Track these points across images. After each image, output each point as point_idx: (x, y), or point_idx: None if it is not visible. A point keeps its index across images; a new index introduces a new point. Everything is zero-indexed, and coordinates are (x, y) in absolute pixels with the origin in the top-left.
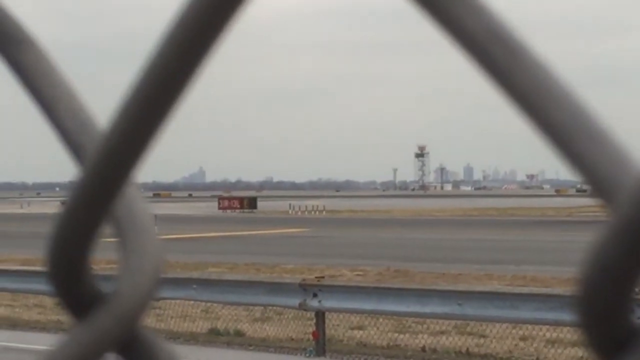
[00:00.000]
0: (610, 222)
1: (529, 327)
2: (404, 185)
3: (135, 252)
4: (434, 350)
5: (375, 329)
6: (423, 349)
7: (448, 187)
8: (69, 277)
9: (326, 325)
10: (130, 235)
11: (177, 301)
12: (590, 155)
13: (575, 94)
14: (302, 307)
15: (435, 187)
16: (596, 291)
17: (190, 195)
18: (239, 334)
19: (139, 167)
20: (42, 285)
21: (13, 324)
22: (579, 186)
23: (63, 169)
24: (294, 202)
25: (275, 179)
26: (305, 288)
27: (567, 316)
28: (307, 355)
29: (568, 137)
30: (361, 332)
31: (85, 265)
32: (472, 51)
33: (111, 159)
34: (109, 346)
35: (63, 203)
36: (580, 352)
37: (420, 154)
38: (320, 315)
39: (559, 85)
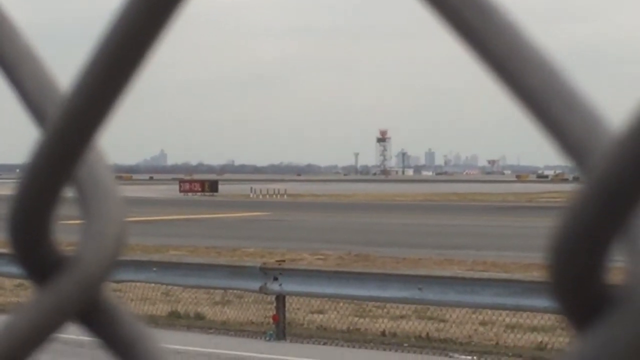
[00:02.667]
0: (584, 184)
1: (489, 312)
2: (365, 170)
3: (98, 216)
4: (394, 335)
5: (335, 313)
6: (383, 333)
7: (409, 172)
8: (30, 241)
9: (286, 309)
10: (93, 198)
11: (138, 284)
12: (564, 118)
13: (550, 57)
14: (263, 290)
15: (396, 172)
16: (570, 255)
17: (151, 178)
18: (199, 317)
19: (101, 130)
20: (1, 267)
21: None
22: (539, 172)
23: (24, 150)
24: (256, 186)
25: (237, 163)
26: (266, 272)
27: (526, 301)
28: (267, 338)
29: (542, 101)
30: (321, 316)
31: (47, 229)
32: (446, 15)
33: (73, 121)
34: (71, 312)
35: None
36: (539, 337)
37: (382, 139)
38: (280, 298)
39: (534, 49)
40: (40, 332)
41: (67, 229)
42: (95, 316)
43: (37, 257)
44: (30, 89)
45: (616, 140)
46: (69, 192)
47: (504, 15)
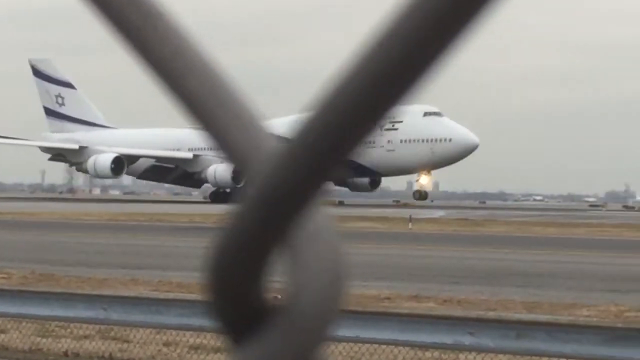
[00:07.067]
0: (243, 196)
1: (173, 332)
2: (52, 188)
3: None
4: (77, 355)
5: (17, 332)
6: (65, 354)
7: (97, 191)
8: None
9: None
10: None
11: None
12: (227, 126)
13: (214, 63)
14: None
15: (84, 191)
16: (228, 269)
17: None
18: None
19: None
20: None
21: None
22: None
23: None
24: None
25: None
26: None
27: (211, 322)
28: None
29: (204, 107)
30: (3, 335)
31: None
32: (108, 15)
33: None
34: None
35: None
36: (222, 358)
37: None
38: None
39: (197, 54)
40: None
41: None
42: None
43: None
44: None
45: (276, 152)
46: None
47: (166, 16)
